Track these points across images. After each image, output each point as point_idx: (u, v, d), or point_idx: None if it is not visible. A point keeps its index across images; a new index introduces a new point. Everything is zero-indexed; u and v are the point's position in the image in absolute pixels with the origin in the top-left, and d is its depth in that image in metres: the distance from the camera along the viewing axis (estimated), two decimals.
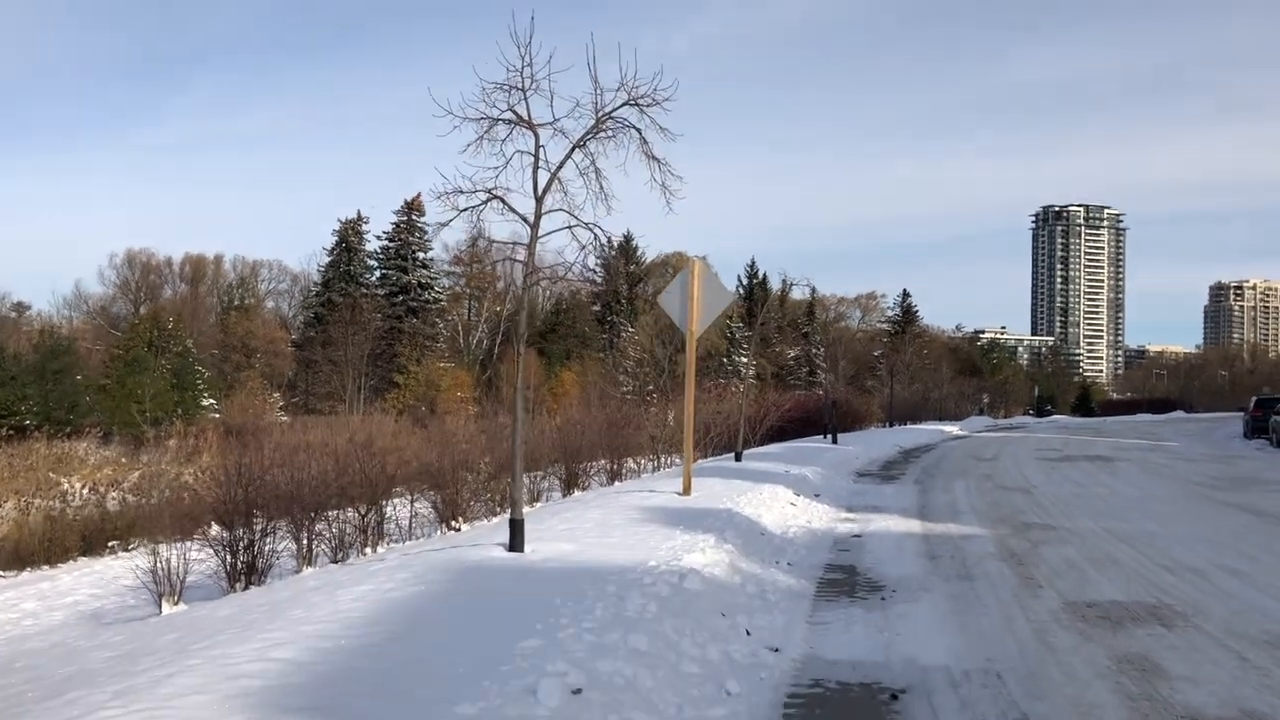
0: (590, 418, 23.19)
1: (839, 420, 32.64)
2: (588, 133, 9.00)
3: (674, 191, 9.49)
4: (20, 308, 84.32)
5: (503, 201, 8.81)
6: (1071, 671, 6.36)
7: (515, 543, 8.78)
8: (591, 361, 66.36)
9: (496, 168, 8.80)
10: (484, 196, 8.81)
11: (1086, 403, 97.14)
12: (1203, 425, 50.92)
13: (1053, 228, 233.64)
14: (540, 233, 8.86)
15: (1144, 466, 23.82)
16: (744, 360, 46.43)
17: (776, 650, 6.73)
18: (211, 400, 66.18)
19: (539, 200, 8.84)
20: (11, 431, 47.77)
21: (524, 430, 8.93)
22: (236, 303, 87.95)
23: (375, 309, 73.54)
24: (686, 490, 13.97)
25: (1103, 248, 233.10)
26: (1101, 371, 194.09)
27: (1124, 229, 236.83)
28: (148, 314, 76.50)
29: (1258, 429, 35.85)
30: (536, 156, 8.82)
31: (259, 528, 13.42)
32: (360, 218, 77.26)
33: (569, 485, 19.81)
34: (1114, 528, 12.82)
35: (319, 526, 14.12)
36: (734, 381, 48.81)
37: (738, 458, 20.52)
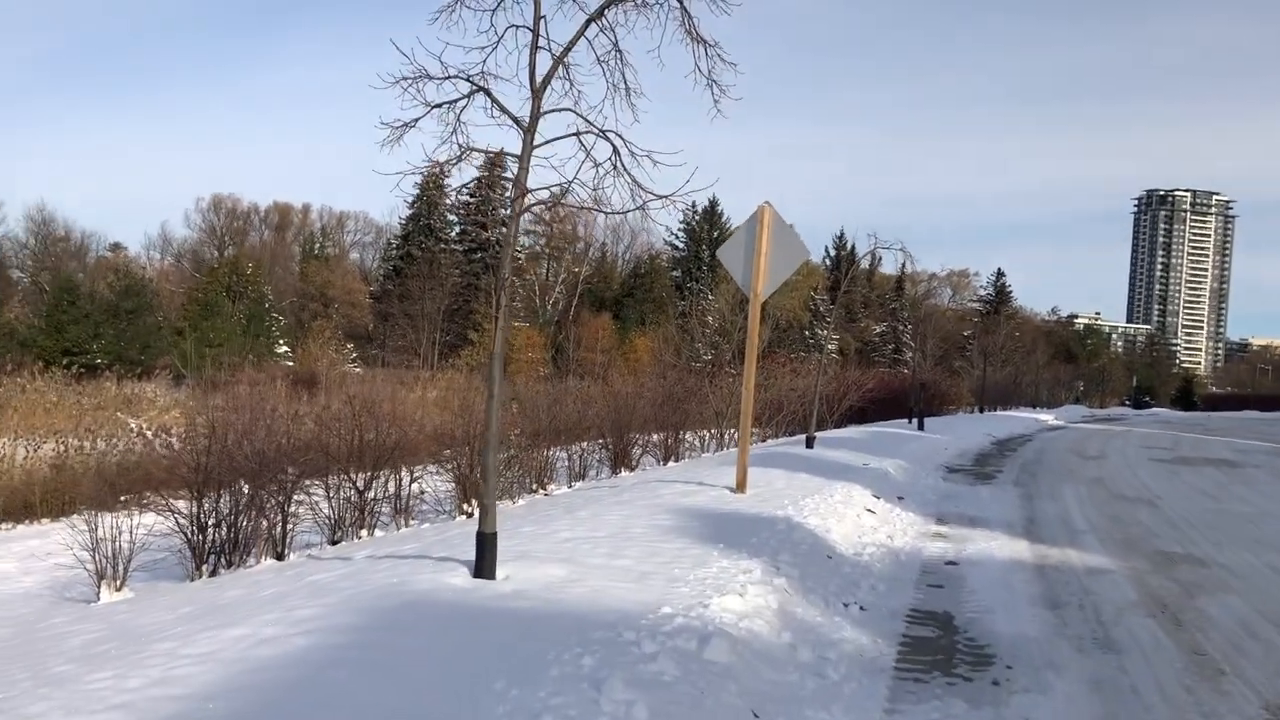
0: (645, 388, 20.81)
1: (926, 403, 29.84)
2: None
3: (725, 88, 6.95)
4: (116, 248, 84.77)
5: (489, 95, 6.36)
6: None
7: (482, 565, 6.37)
8: (667, 328, 64.21)
9: (484, 48, 6.37)
10: (466, 88, 6.38)
11: (1189, 396, 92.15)
12: None
13: (1156, 212, 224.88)
14: (536, 140, 6.39)
15: (1278, 475, 20.66)
16: (824, 333, 43.52)
17: None
18: (286, 348, 66.28)
19: (537, 94, 6.34)
20: (83, 370, 47.18)
21: (500, 408, 6.54)
22: (316, 252, 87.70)
23: (453, 264, 72.28)
24: (740, 486, 11.50)
25: (1209, 235, 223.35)
26: (1199, 363, 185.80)
27: (1233, 216, 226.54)
28: (227, 260, 76.69)
29: None
30: (536, 31, 6.33)
31: (239, 502, 11.58)
32: (442, 170, 75.42)
33: (617, 463, 17.68)
34: None
35: (317, 502, 12.32)
36: (814, 356, 45.99)
37: (809, 444, 17.98)
